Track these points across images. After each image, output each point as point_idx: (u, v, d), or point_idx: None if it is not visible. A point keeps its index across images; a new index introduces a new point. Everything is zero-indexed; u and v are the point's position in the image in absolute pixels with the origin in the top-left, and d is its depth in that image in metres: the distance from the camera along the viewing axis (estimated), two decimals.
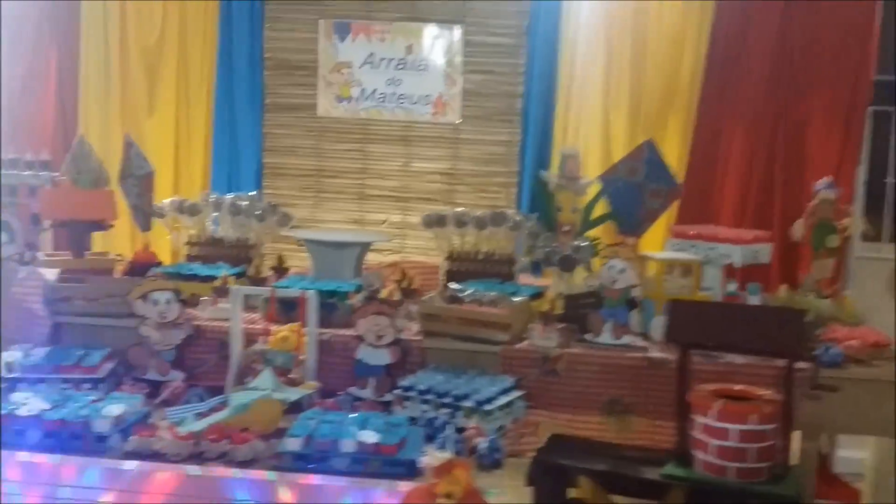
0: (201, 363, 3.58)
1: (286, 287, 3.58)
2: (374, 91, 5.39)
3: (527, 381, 3.36)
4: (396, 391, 3.24)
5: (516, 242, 4.28)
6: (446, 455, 2.53)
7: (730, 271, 4.01)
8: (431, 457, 2.53)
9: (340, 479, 2.71)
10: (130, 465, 2.77)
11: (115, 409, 2.91)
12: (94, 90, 5.34)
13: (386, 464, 2.71)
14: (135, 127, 5.28)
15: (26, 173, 4.40)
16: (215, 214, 4.39)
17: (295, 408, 3.11)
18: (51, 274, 3.71)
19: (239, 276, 3.98)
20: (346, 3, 5.33)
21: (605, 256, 3.57)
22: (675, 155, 4.82)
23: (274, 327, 3.44)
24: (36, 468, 2.81)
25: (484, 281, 4.06)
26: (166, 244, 4.64)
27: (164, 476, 2.75)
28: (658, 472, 3.17)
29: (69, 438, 2.82)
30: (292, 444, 2.73)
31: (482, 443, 2.87)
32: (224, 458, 2.79)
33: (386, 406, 3.26)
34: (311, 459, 2.72)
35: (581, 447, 3.36)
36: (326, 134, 5.50)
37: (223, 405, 3.08)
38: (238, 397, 3.02)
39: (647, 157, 4.16)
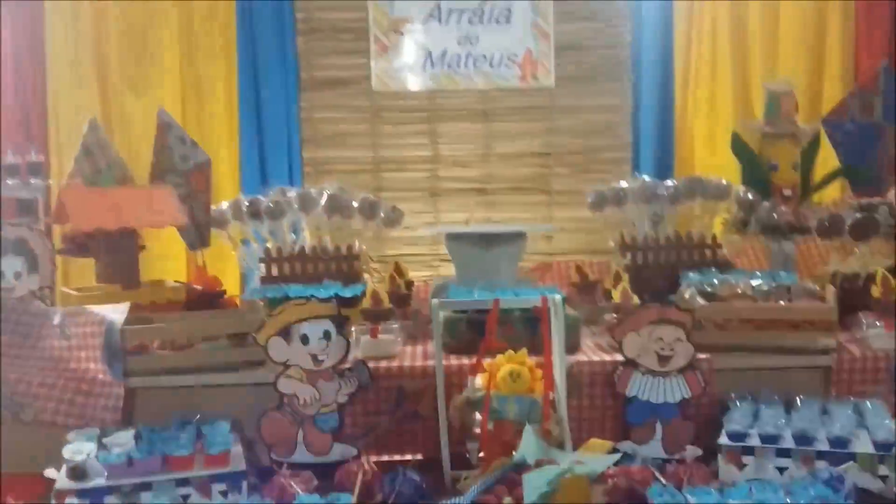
0: (369, 429, 2.32)
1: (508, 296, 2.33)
2: (444, 53, 4.22)
3: None
4: (722, 441, 2.08)
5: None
6: None
7: None
8: None
9: None
10: None
11: None
12: (62, 62, 3.94)
13: None
14: (117, 110, 3.96)
15: (11, 182, 3.03)
16: (298, 217, 3.09)
17: None
18: (113, 315, 2.34)
19: (355, 299, 2.72)
20: None
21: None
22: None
23: (486, 360, 2.23)
24: None
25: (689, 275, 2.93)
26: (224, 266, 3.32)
27: None
28: None
29: None
30: None
31: None
32: None
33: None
34: None
35: None
36: (384, 114, 4.29)
37: (491, 495, 1.84)
38: (530, 482, 1.79)
39: (884, 88, 3.15)
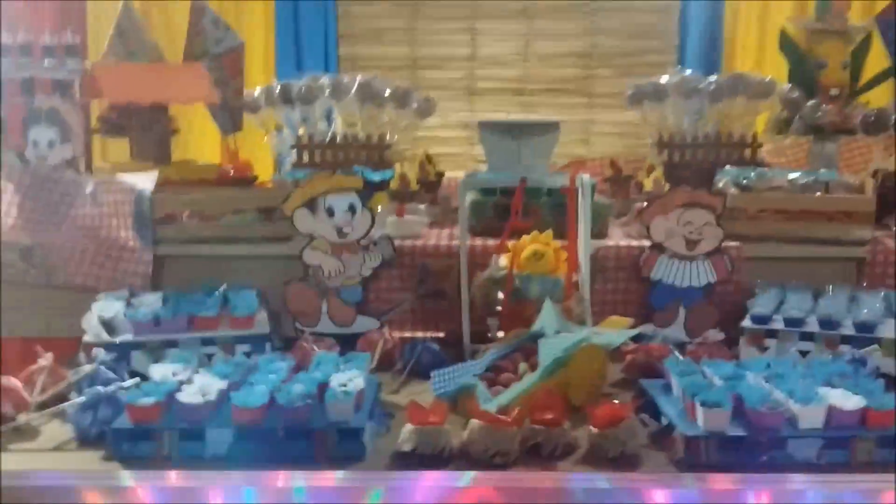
0: (392, 304, 2.33)
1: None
2: None
3: None
4: (745, 324, 2.06)
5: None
6: None
7: None
8: None
9: (797, 477, 1.51)
10: (411, 475, 1.52)
11: (352, 380, 1.65)
12: None
13: (883, 444, 1.53)
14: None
15: (46, 63, 3.02)
16: (330, 104, 3.07)
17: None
18: (143, 184, 2.37)
19: (382, 184, 2.70)
20: None
21: None
22: None
23: (510, 241, 2.22)
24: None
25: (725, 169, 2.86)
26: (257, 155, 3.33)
27: (484, 488, 1.52)
28: None
29: (287, 439, 1.56)
30: (715, 418, 1.52)
31: None
32: (573, 454, 1.58)
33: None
34: (754, 447, 1.52)
35: None
36: (422, 10, 4.21)
37: (507, 361, 1.85)
38: (546, 347, 1.80)
39: None
